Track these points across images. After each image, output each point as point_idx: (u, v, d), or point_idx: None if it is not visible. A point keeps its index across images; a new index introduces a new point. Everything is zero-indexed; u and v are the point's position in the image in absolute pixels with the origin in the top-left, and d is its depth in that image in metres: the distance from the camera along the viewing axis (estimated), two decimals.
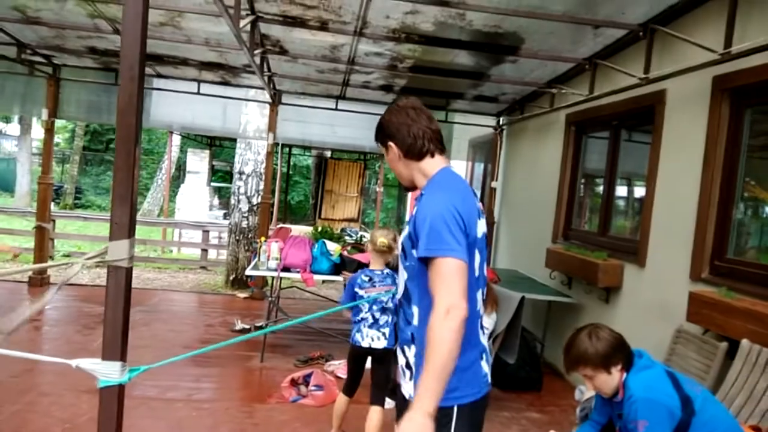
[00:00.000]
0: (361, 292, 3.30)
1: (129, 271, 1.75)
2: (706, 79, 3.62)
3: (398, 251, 2.13)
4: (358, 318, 3.33)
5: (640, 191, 4.63)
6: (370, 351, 3.31)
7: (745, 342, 2.94)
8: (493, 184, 7.55)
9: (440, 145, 1.93)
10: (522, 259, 6.64)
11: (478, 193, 8.27)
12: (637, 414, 2.00)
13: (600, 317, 4.54)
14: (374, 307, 3.28)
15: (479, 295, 1.91)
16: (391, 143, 1.94)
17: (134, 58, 1.73)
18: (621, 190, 5.13)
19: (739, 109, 3.48)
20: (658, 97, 4.13)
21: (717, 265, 3.53)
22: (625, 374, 2.13)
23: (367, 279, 3.33)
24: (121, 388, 1.80)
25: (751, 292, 3.16)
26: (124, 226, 1.73)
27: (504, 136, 7.57)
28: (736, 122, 3.49)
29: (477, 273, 1.85)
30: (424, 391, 1.60)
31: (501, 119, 7.54)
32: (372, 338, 3.29)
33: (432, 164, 1.91)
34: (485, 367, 1.93)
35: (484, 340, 1.97)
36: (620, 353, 2.13)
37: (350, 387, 3.43)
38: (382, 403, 3.30)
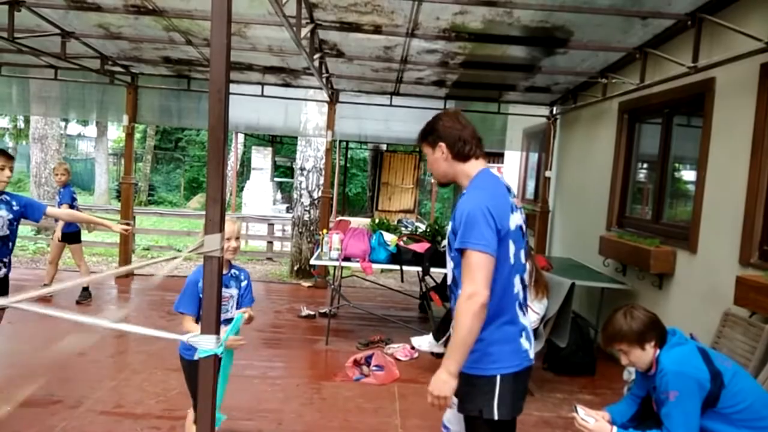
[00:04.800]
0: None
1: (221, 260, 2.10)
2: (753, 67, 3.66)
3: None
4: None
5: (692, 178, 4.66)
6: None
7: None
8: (547, 173, 7.61)
9: (482, 150, 2.21)
10: (576, 247, 6.72)
11: (532, 183, 8.36)
12: (668, 385, 2.18)
13: (653, 303, 4.63)
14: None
15: (517, 280, 2.15)
16: (441, 143, 2.20)
17: (221, 83, 2.06)
18: (674, 177, 5.16)
19: None
20: (708, 85, 4.17)
21: (766, 250, 3.59)
22: (658, 350, 2.31)
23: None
24: (216, 357, 2.16)
25: None
26: (217, 223, 2.07)
27: (557, 126, 7.61)
28: None
29: (513, 261, 2.10)
30: (448, 357, 2.00)
31: (554, 109, 7.59)
32: None
33: (474, 166, 2.18)
34: (525, 344, 2.17)
35: (525, 320, 2.21)
36: (653, 331, 2.31)
37: None
38: None
